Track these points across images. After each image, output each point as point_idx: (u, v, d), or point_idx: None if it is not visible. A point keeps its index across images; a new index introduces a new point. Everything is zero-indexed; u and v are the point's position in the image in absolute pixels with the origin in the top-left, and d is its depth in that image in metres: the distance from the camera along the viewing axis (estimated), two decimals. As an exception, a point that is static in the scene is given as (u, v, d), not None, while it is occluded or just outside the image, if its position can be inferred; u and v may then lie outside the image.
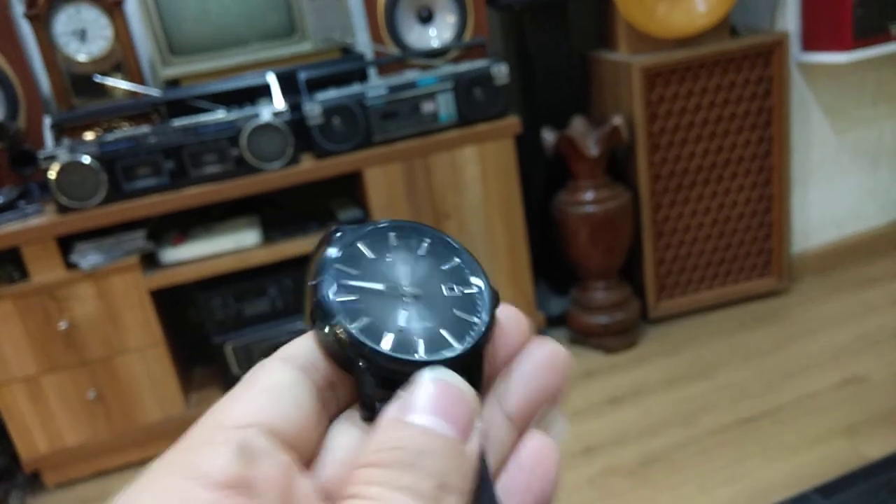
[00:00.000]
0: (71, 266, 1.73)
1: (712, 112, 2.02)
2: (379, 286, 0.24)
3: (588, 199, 1.98)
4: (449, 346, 0.23)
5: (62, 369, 1.78)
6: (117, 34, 1.84)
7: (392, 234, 0.25)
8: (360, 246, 0.24)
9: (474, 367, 0.24)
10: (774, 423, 1.71)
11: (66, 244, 1.73)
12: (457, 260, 0.26)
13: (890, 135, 2.36)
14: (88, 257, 1.72)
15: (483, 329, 0.24)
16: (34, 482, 1.91)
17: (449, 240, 0.26)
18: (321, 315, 0.23)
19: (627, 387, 1.93)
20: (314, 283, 0.23)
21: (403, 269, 0.25)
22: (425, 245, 0.26)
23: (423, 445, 0.20)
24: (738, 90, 2.02)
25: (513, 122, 1.90)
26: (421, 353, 0.23)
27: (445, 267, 0.25)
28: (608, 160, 2.00)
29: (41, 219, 1.72)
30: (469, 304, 0.25)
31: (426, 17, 1.97)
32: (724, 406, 1.79)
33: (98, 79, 1.83)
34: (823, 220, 2.37)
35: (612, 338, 2.08)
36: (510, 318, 0.25)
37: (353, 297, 0.23)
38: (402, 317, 0.23)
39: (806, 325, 2.11)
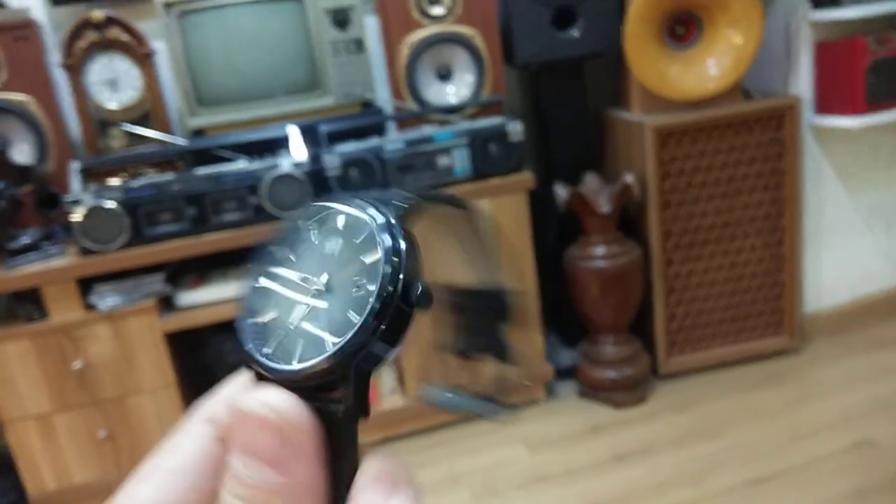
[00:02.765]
0: (89, 307, 1.77)
1: (724, 172, 2.05)
2: (295, 275, 0.23)
3: (599, 254, 2.00)
4: (319, 352, 0.21)
5: (75, 408, 1.80)
6: (147, 84, 1.91)
7: (306, 225, 0.24)
8: (273, 249, 0.24)
9: (343, 382, 0.21)
10: (783, 485, 1.69)
11: (86, 285, 1.78)
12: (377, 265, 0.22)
13: (903, 198, 2.38)
14: (107, 299, 1.76)
15: (353, 336, 0.21)
16: (41, 520, 1.91)
17: (383, 224, 0.22)
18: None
19: (635, 443, 1.92)
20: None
21: (315, 259, 0.23)
22: (340, 223, 0.23)
23: (247, 497, 0.20)
24: (751, 152, 2.05)
25: (526, 178, 1.94)
26: (265, 354, 0.22)
27: (356, 268, 0.22)
28: (620, 216, 2.02)
29: (63, 260, 1.77)
30: (340, 322, 0.21)
31: (445, 75, 2.03)
32: (732, 466, 1.78)
33: (126, 127, 1.89)
34: (836, 280, 2.37)
35: (621, 392, 2.08)
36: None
37: (266, 284, 0.23)
38: (296, 314, 0.22)
39: (817, 386, 2.09)
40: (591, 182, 2.05)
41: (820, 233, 2.31)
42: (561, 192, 2.02)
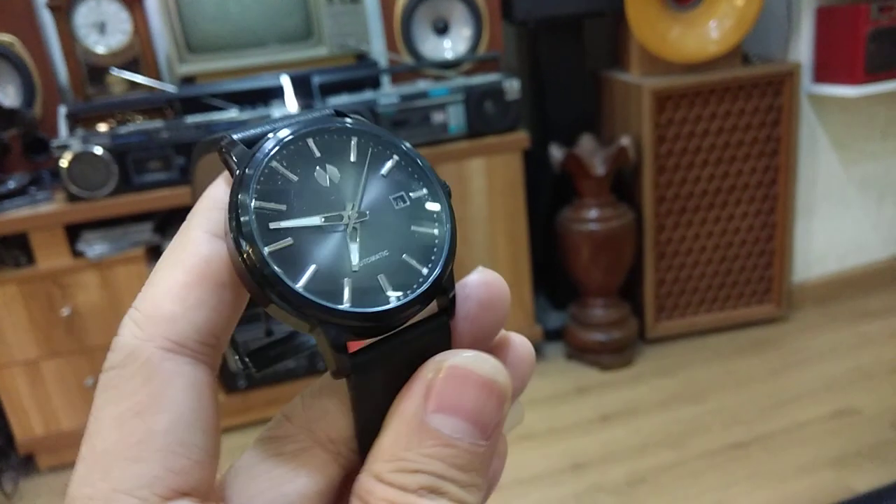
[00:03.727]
0: (77, 254, 1.76)
1: (720, 138, 2.04)
2: (315, 220, 0.19)
3: (592, 217, 2.00)
4: (381, 300, 0.19)
5: (62, 355, 1.80)
6: (136, 29, 1.87)
7: (353, 141, 0.21)
8: (277, 166, 0.19)
9: (434, 337, 0.20)
10: (764, 450, 1.72)
11: (74, 232, 1.76)
12: (423, 189, 0.21)
13: (896, 169, 2.37)
14: (95, 247, 1.74)
15: (428, 284, 0.20)
16: (28, 464, 1.93)
17: (420, 162, 0.21)
18: (266, 282, 0.18)
19: (620, 405, 1.94)
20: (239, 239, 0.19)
21: (354, 187, 0.20)
22: (391, 162, 0.21)
23: (452, 459, 0.19)
24: (748, 118, 2.03)
25: (522, 137, 1.92)
26: (343, 301, 0.19)
27: (408, 194, 0.21)
28: (614, 179, 2.01)
29: (50, 206, 1.75)
30: (422, 249, 0.20)
31: (442, 29, 2.00)
32: (714, 430, 1.80)
33: (115, 72, 1.85)
34: (826, 250, 2.38)
35: (608, 355, 2.09)
36: (488, 285, 0.22)
37: (287, 243, 0.19)
38: (353, 254, 0.19)
39: (802, 354, 2.11)
40: (586, 143, 2.04)
41: (812, 202, 2.31)
42: (556, 152, 2.00)
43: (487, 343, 0.22)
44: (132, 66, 1.88)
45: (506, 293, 0.22)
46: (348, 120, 0.21)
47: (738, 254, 2.17)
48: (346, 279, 0.19)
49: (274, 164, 0.19)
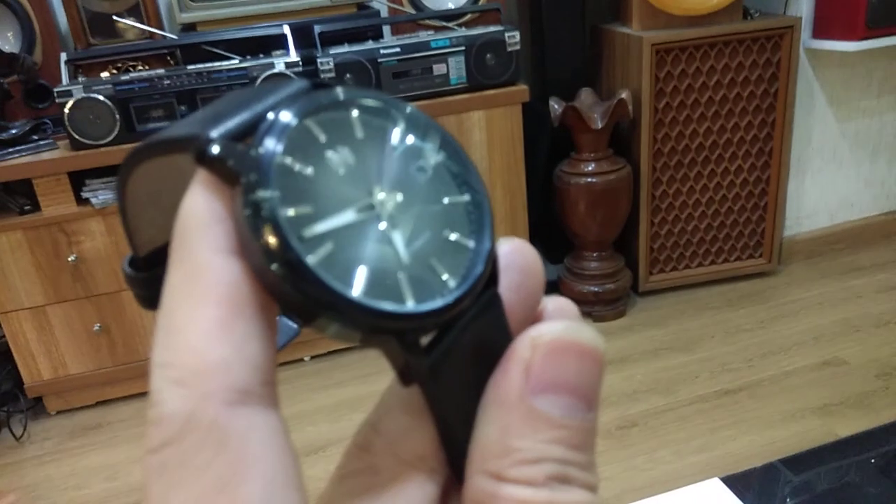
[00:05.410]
0: (82, 201, 1.78)
1: (718, 92, 2.05)
2: (349, 214, 0.17)
3: (589, 171, 2.02)
4: (444, 287, 0.17)
5: (69, 301, 1.84)
6: (136, -25, 1.85)
7: (355, 114, 0.18)
8: (288, 162, 0.16)
9: (483, 321, 0.18)
10: (751, 397, 1.78)
11: (78, 180, 1.77)
12: (442, 152, 0.19)
13: (891, 127, 2.40)
14: (99, 194, 1.76)
15: (480, 256, 0.18)
16: (36, 407, 1.98)
17: (428, 123, 0.19)
18: (320, 302, 0.16)
19: (613, 354, 2.00)
20: (259, 199, 0.15)
21: (374, 167, 0.18)
22: (400, 127, 0.18)
23: (569, 441, 0.17)
24: (746, 73, 2.04)
25: (521, 90, 1.93)
26: (408, 300, 0.17)
27: (428, 163, 0.19)
28: (612, 133, 2.03)
29: (54, 153, 1.76)
30: (461, 220, 0.18)
31: (443, -21, 1.99)
32: (703, 378, 1.86)
33: (116, 18, 1.84)
34: (817, 206, 2.42)
35: (602, 306, 2.14)
36: (521, 252, 0.20)
37: (328, 250, 0.16)
38: (398, 243, 0.17)
39: (791, 306, 2.17)
40: (585, 97, 2.05)
41: (805, 158, 2.34)
42: (556, 106, 2.02)
43: (535, 310, 0.20)
44: (133, 13, 1.87)
45: (537, 257, 0.20)
46: (339, 90, 0.18)
47: (732, 208, 2.21)
48: (400, 273, 0.17)
49: (284, 159, 0.16)
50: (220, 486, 0.15)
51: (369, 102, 0.18)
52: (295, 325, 0.21)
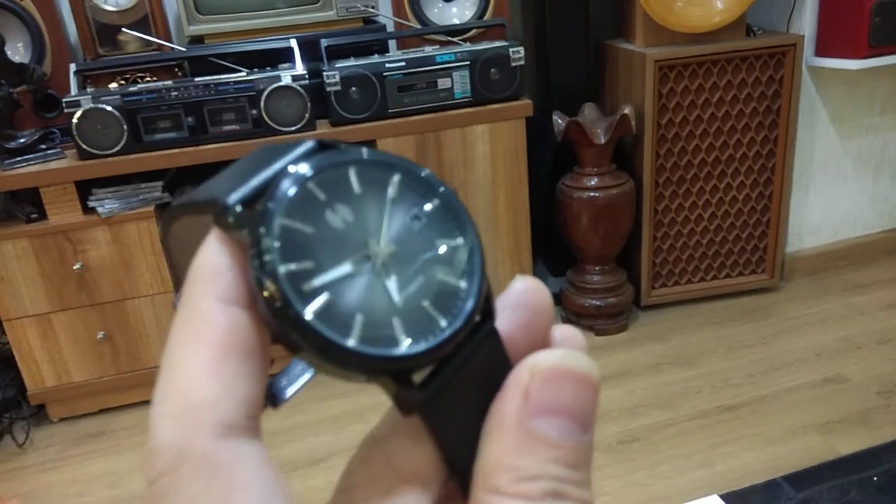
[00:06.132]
0: (88, 210, 1.79)
1: (721, 109, 2.06)
2: (346, 267, 0.18)
3: (592, 185, 2.03)
4: (436, 327, 0.19)
5: (74, 309, 1.85)
6: (146, -13, 1.88)
7: (353, 172, 0.19)
8: (289, 223, 0.18)
9: (479, 353, 0.20)
10: (753, 413, 1.78)
11: (85, 189, 1.79)
12: (434, 201, 0.20)
13: (894, 144, 2.41)
14: (105, 203, 1.77)
15: (474, 295, 0.19)
16: (39, 414, 1.99)
17: (422, 174, 0.20)
18: (317, 348, 0.17)
19: (615, 368, 2.00)
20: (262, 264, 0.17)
21: (371, 219, 0.19)
22: (395, 182, 0.20)
23: (564, 460, 0.18)
24: (749, 89, 2.05)
25: (525, 104, 1.95)
26: (401, 342, 0.18)
27: (421, 211, 0.20)
28: (615, 148, 2.05)
29: (62, 162, 1.78)
30: (453, 263, 0.20)
31: (449, -6, 2.01)
32: (705, 393, 1.86)
33: (125, 30, 1.87)
34: (820, 222, 2.42)
35: (604, 320, 2.15)
36: (533, 291, 0.21)
37: (325, 300, 0.18)
38: (392, 290, 0.19)
39: (793, 322, 2.17)
40: (589, 112, 2.06)
41: (808, 175, 2.34)
42: (559, 120, 2.03)
43: (542, 346, 0.21)
44: (141, 25, 1.89)
45: (549, 296, 0.22)
46: (341, 150, 0.20)
47: (734, 224, 2.22)
48: (394, 318, 0.18)
49: (286, 221, 0.18)
50: None
51: (368, 159, 0.20)
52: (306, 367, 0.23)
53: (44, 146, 1.82)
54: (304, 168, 0.19)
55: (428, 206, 0.20)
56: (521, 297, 0.21)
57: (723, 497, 0.83)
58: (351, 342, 0.17)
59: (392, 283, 0.19)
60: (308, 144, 0.20)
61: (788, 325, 2.16)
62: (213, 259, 0.18)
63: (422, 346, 0.18)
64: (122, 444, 1.88)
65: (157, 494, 0.17)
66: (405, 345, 0.18)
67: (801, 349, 2.03)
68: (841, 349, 2.01)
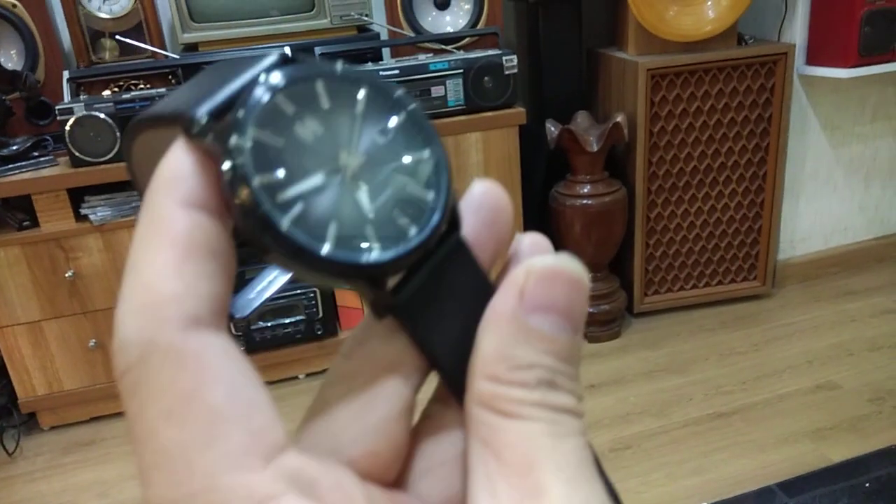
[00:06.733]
0: (81, 218, 1.79)
1: (713, 117, 2.08)
2: (318, 177, 0.19)
3: (585, 193, 2.04)
4: (405, 235, 0.19)
5: (65, 316, 1.84)
6: (139, -5, 1.88)
7: (320, 86, 0.19)
8: (261, 135, 0.18)
9: (451, 260, 0.21)
10: (745, 420, 1.78)
11: (77, 196, 1.79)
12: (401, 115, 0.21)
13: (885, 153, 2.42)
14: (98, 211, 1.77)
15: (438, 205, 0.20)
16: (30, 423, 1.97)
17: (391, 91, 0.21)
18: (294, 256, 0.18)
19: (607, 375, 2.00)
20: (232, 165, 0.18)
21: (340, 132, 0.19)
22: (362, 95, 0.20)
23: (556, 353, 0.19)
24: (740, 98, 2.07)
25: (518, 112, 1.95)
26: (373, 249, 0.19)
27: (388, 126, 0.20)
28: (607, 156, 2.05)
29: (54, 170, 1.77)
30: (421, 174, 0.20)
31: (442, 3, 2.02)
32: (697, 400, 1.87)
33: (119, 38, 1.87)
34: (811, 230, 2.44)
35: (597, 327, 2.15)
36: (493, 191, 0.22)
37: (299, 210, 0.18)
38: (363, 200, 0.19)
39: (784, 329, 2.18)
40: (581, 120, 2.07)
41: (800, 182, 2.36)
42: (552, 128, 2.04)
43: (507, 243, 0.22)
44: (135, 32, 1.89)
45: (506, 195, 0.23)
46: (306, 64, 0.20)
47: (726, 231, 2.23)
48: (366, 226, 0.19)
49: (257, 132, 0.18)
50: (187, 395, 0.16)
51: (335, 73, 0.20)
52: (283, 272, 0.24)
53: (36, 153, 1.82)
54: (275, 79, 0.19)
55: (394, 121, 0.20)
56: (483, 199, 0.22)
57: (716, 505, 0.84)
58: (326, 249, 0.18)
59: (362, 194, 0.19)
60: (274, 57, 0.20)
61: (780, 332, 2.17)
62: (177, 165, 0.18)
63: (392, 253, 0.19)
64: (112, 452, 1.87)
65: (128, 389, 0.17)
66: (377, 251, 0.19)
67: (792, 356, 2.04)
68: (833, 356, 2.02)
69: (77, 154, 1.72)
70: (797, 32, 2.15)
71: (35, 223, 1.78)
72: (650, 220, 2.17)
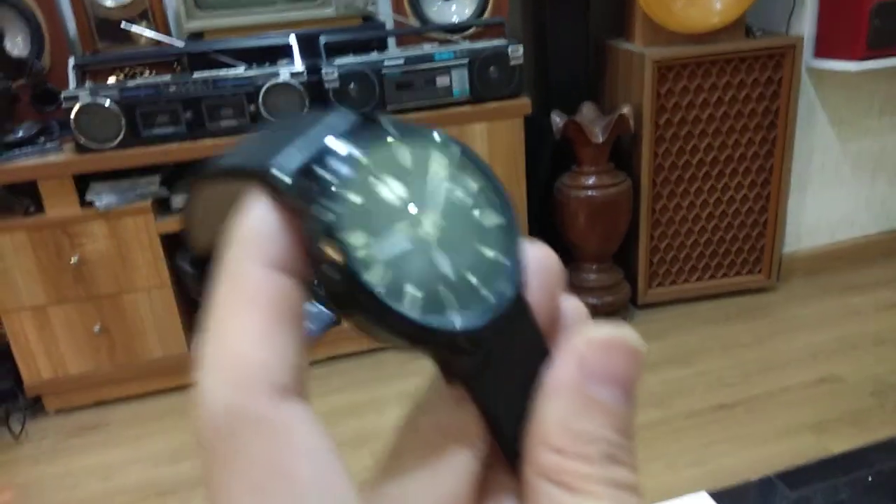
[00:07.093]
0: (86, 204, 1.79)
1: (720, 109, 2.07)
2: (400, 239, 0.19)
3: (590, 184, 2.04)
4: (484, 301, 0.19)
5: (70, 302, 1.85)
6: (145, -18, 1.88)
7: (403, 149, 0.20)
8: (345, 194, 0.19)
9: (517, 326, 0.20)
10: (747, 412, 1.78)
11: (83, 183, 1.79)
12: (481, 179, 0.21)
13: (892, 147, 2.41)
14: (103, 197, 1.78)
15: (514, 272, 0.20)
16: (35, 406, 1.99)
17: (466, 150, 0.21)
18: (380, 319, 0.18)
19: (610, 367, 2.00)
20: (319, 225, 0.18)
21: (423, 195, 0.20)
22: (444, 159, 0.21)
23: (616, 426, 0.19)
24: (747, 90, 2.06)
25: (524, 103, 1.95)
26: (458, 315, 0.19)
27: (469, 189, 0.21)
28: (613, 148, 2.05)
29: (59, 156, 1.78)
30: (499, 240, 0.21)
31: (448, -8, 2.01)
32: (699, 392, 1.87)
33: (125, 25, 1.87)
34: (818, 223, 2.43)
35: (600, 319, 2.14)
36: (547, 255, 0.22)
37: (381, 272, 0.18)
38: (441, 263, 0.19)
39: (789, 322, 2.17)
40: (587, 111, 2.07)
41: (806, 176, 2.35)
42: (558, 119, 2.03)
43: (556, 303, 0.22)
44: (140, 19, 1.90)
45: (558, 260, 0.22)
46: (390, 125, 0.20)
47: (732, 224, 2.22)
48: (446, 290, 0.19)
49: (343, 191, 0.18)
50: (275, 471, 0.16)
51: (412, 132, 0.20)
52: (331, 314, 0.24)
53: (42, 139, 1.83)
54: (356, 140, 0.19)
55: (474, 185, 0.21)
56: (541, 263, 0.22)
57: (718, 494, 0.84)
58: (415, 313, 0.18)
59: (443, 258, 0.19)
60: (352, 116, 0.20)
61: (785, 325, 2.16)
62: (261, 223, 0.18)
63: (476, 321, 0.19)
64: (116, 436, 1.89)
65: (218, 461, 0.17)
66: (459, 318, 0.19)
67: (796, 349, 2.03)
68: (836, 349, 2.01)
69: (82, 140, 1.73)
70: (805, 25, 2.14)
71: (40, 209, 1.79)
72: (655, 212, 2.16)
